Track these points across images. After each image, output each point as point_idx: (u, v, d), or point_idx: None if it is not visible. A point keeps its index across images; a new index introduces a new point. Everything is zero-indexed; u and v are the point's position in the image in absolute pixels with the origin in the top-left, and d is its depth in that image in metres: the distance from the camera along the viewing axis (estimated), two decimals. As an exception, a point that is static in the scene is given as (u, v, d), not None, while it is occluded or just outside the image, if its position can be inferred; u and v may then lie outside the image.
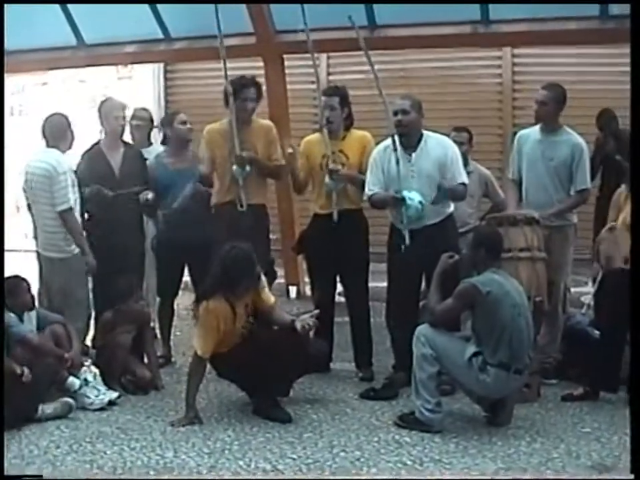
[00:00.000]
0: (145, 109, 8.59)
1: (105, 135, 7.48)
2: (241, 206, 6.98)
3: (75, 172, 7.03)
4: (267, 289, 6.40)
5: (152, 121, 8.47)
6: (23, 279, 6.56)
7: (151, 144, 8.37)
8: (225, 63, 7.08)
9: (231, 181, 7.05)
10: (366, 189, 6.73)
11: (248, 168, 6.98)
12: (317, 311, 6.27)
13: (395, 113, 6.61)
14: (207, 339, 6.03)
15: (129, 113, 7.81)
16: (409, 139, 6.60)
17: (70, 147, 7.23)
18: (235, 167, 6.95)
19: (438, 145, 6.62)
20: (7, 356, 5.99)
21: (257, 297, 6.25)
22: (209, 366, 6.21)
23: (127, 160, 7.38)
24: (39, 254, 7.04)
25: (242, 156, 6.94)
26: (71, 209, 6.77)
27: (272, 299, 6.39)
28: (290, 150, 7.31)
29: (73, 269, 6.88)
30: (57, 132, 6.94)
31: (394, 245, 6.68)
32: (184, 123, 7.46)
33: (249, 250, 6.07)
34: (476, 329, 5.84)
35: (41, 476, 5.01)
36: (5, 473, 4.95)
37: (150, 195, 7.23)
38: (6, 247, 7.16)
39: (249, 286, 6.13)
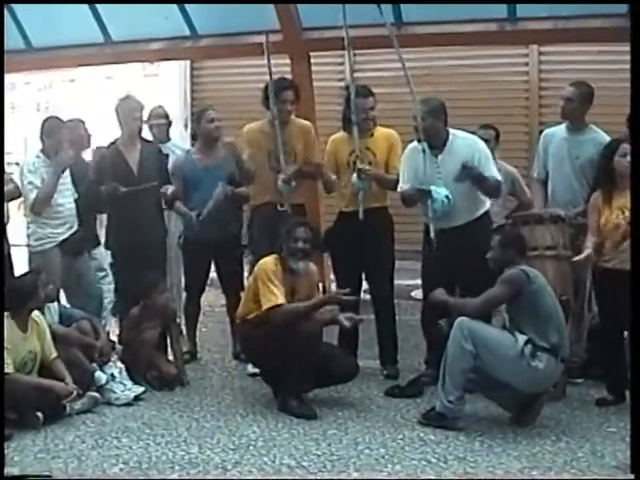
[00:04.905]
0: (160, 107, 8.63)
1: (122, 133, 7.49)
2: (284, 210, 7.00)
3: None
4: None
5: (168, 117, 8.57)
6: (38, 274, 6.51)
7: (169, 139, 8.47)
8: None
9: (269, 182, 7.07)
10: (399, 186, 6.73)
11: (294, 183, 7.02)
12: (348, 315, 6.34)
13: (414, 118, 6.60)
14: (270, 291, 6.08)
15: (146, 112, 7.86)
16: (433, 141, 6.56)
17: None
18: (280, 183, 6.98)
19: (465, 146, 6.56)
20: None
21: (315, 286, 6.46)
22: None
23: (145, 157, 7.40)
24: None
25: (289, 176, 6.97)
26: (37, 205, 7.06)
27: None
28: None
29: (44, 261, 7.06)
30: (45, 136, 7.23)
31: (426, 245, 6.70)
32: (212, 120, 7.45)
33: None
34: (520, 318, 5.78)
35: (40, 476, 5.04)
36: (14, 473, 5.00)
37: (170, 189, 7.23)
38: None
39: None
